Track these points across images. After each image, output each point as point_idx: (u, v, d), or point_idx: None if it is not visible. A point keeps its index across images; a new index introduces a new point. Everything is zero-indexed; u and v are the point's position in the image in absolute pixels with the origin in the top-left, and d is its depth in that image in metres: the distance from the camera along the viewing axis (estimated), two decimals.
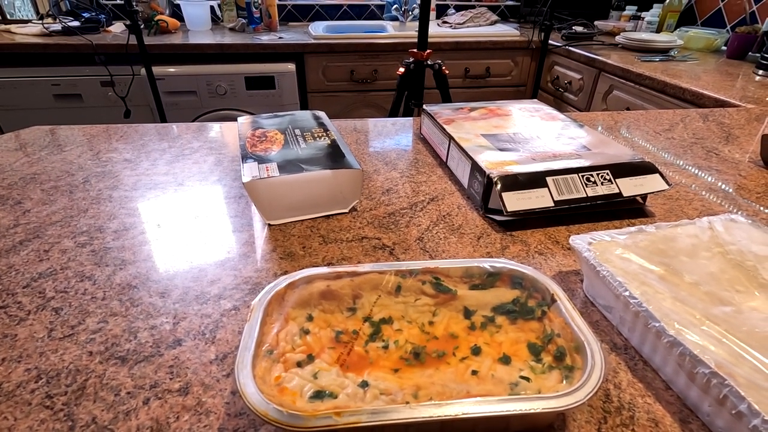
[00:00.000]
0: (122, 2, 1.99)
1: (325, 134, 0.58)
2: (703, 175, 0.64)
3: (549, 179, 0.50)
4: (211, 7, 2.04)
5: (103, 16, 1.90)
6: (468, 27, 2.10)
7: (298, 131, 0.59)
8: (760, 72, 1.27)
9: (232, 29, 1.97)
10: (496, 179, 0.49)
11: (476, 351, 0.28)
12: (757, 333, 0.29)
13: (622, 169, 0.52)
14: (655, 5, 1.86)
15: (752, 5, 1.59)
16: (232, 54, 1.73)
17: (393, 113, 1.18)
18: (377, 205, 0.54)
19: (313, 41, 1.76)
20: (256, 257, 0.44)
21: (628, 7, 1.99)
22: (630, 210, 0.53)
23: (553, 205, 0.49)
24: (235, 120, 0.63)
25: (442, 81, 1.15)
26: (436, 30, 1.99)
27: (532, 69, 1.94)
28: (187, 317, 0.36)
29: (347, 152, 0.53)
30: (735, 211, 0.54)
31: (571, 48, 1.66)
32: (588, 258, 0.36)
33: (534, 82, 1.80)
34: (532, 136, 0.60)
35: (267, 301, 0.29)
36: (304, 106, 1.90)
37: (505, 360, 0.28)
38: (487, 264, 0.34)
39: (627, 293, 0.32)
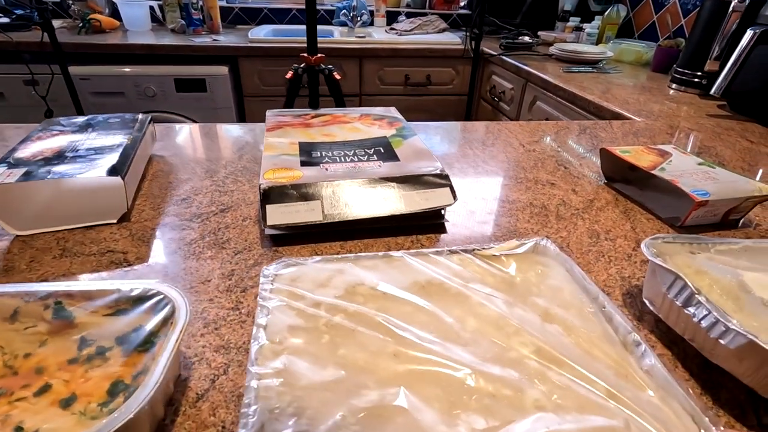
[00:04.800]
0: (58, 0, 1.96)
1: (124, 137, 0.55)
2: (537, 189, 0.61)
3: (325, 192, 0.47)
4: (154, 8, 2.01)
5: (36, 13, 1.86)
6: (414, 34, 2.08)
7: (94, 134, 0.55)
8: (674, 86, 1.25)
9: (173, 30, 1.93)
10: (264, 189, 0.46)
11: (41, 391, 0.25)
12: None
13: (411, 182, 0.49)
14: (596, 17, 1.86)
15: (680, 19, 1.58)
16: (162, 56, 1.69)
17: None
18: (158, 215, 0.50)
19: (248, 44, 1.73)
20: None
21: (571, 19, 1.98)
22: (427, 226, 0.50)
23: (322, 219, 0.45)
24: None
25: (335, 86, 1.12)
26: (381, 36, 1.97)
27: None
28: None
29: (124, 160, 0.49)
30: (537, 231, 0.51)
31: (504, 57, 1.64)
32: None
33: (469, 91, 1.79)
34: (347, 146, 0.57)
35: None
36: (240, 110, 1.87)
37: (68, 402, 0.24)
38: (142, 286, 0.30)
39: None
